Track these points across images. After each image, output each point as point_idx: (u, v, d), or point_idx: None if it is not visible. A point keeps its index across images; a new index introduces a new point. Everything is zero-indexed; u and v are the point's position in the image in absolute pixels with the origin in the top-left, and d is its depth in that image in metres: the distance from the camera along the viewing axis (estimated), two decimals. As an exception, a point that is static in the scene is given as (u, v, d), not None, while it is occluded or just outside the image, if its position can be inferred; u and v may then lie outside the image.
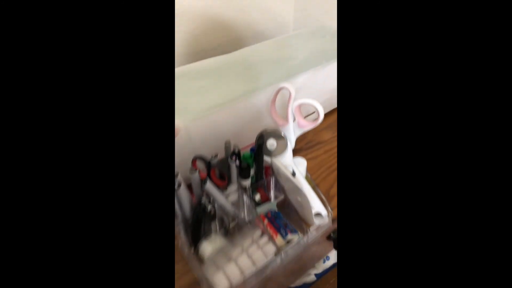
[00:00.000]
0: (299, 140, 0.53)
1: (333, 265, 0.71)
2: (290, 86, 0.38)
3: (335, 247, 0.55)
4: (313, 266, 0.60)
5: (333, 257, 0.70)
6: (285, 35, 0.65)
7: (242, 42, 0.75)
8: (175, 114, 0.40)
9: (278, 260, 0.39)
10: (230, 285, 0.35)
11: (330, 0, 0.65)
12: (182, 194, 0.35)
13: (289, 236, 0.41)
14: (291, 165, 0.41)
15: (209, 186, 0.35)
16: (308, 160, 0.47)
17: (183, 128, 0.41)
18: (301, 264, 0.56)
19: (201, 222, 0.36)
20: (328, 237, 0.58)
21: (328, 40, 0.61)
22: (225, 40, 0.72)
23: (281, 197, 0.46)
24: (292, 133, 0.41)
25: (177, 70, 0.51)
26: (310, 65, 0.52)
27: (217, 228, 0.39)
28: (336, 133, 0.61)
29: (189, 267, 0.40)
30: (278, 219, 0.42)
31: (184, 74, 0.50)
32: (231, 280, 0.35)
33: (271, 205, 0.43)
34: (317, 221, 0.40)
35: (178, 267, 0.40)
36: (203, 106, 0.43)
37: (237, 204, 0.41)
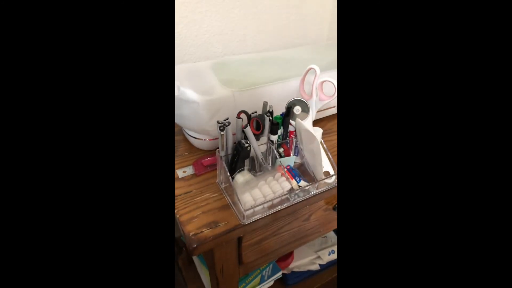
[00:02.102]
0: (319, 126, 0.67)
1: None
2: (316, 67, 0.51)
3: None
4: (319, 232, 0.70)
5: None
6: (318, 44, 0.81)
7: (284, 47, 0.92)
8: (230, 86, 0.58)
9: (292, 197, 0.51)
10: (254, 203, 0.47)
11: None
12: (228, 133, 0.49)
13: (302, 183, 0.53)
14: (311, 129, 0.53)
15: (248, 130, 0.49)
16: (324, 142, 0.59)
17: (232, 94, 0.56)
18: (308, 228, 0.66)
19: (238, 156, 0.49)
20: (334, 208, 0.68)
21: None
22: (273, 44, 0.91)
23: (298, 162, 0.58)
24: (314, 105, 0.53)
25: (235, 57, 0.70)
26: (334, 67, 0.66)
27: (249, 165, 0.52)
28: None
29: (223, 195, 0.53)
30: (294, 171, 0.54)
31: (241, 59, 0.70)
32: (255, 199, 0.47)
33: (291, 159, 0.55)
34: (325, 178, 0.52)
35: (215, 195, 0.53)
36: (249, 82, 0.59)
37: (265, 153, 0.54)
